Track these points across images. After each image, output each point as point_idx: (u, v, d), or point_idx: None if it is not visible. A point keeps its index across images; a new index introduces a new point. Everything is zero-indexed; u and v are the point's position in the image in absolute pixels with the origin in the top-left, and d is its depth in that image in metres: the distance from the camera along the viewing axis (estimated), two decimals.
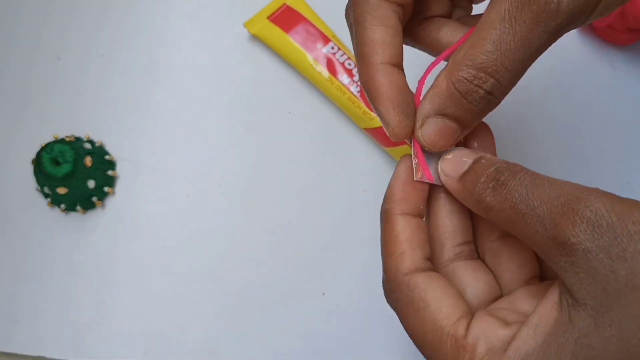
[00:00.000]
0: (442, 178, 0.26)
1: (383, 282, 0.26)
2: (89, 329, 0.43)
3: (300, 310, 0.44)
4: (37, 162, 0.42)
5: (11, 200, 0.45)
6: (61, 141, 0.43)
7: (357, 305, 0.44)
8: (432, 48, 0.29)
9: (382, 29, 0.26)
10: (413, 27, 0.30)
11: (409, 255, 0.25)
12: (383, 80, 0.26)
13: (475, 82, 0.23)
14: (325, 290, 0.44)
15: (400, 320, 0.25)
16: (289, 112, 0.47)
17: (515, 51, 0.23)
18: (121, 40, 0.48)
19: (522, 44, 0.23)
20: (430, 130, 0.25)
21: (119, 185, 0.45)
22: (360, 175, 0.46)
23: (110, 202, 0.45)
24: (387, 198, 0.27)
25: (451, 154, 0.26)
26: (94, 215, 0.45)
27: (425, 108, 0.25)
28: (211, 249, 0.45)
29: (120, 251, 0.45)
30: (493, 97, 0.24)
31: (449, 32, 0.29)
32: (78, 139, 0.45)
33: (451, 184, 0.26)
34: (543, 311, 0.22)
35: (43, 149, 0.42)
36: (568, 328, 0.21)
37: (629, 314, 0.19)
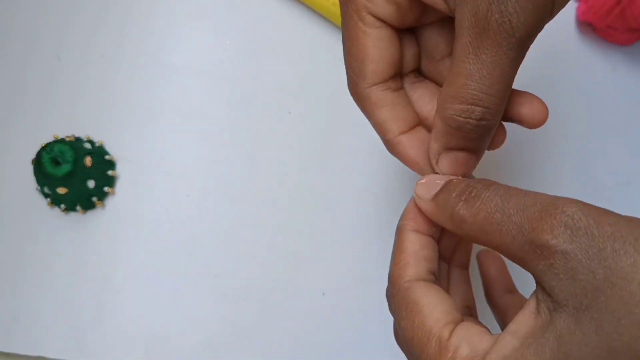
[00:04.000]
0: (417, 201, 0.27)
1: (386, 290, 0.28)
2: (89, 329, 0.43)
3: (300, 310, 0.44)
4: (37, 162, 0.42)
5: (11, 200, 0.45)
6: (61, 141, 0.43)
7: (357, 305, 0.44)
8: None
9: (381, 110, 0.28)
10: (429, 70, 0.31)
11: (412, 265, 0.26)
12: (403, 150, 0.29)
13: (464, 115, 0.25)
14: (325, 290, 0.44)
15: (394, 325, 0.26)
16: (289, 112, 0.47)
17: (489, 77, 0.24)
18: (121, 40, 0.48)
19: (493, 68, 0.24)
20: (445, 164, 0.27)
21: (119, 185, 0.45)
22: (360, 175, 0.46)
23: (110, 202, 0.45)
24: (403, 216, 0.28)
25: (425, 179, 0.28)
26: (94, 215, 0.45)
27: (434, 148, 0.27)
28: (211, 249, 0.45)
29: (120, 251, 0.45)
30: (486, 122, 0.25)
31: (420, 99, 0.30)
32: (78, 139, 0.45)
33: (424, 205, 0.27)
34: (521, 319, 0.23)
35: (43, 149, 0.42)
36: (548, 328, 0.21)
37: (609, 310, 0.20)
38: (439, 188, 0.26)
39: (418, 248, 0.27)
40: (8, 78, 0.47)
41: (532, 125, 0.28)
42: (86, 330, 0.43)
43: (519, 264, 0.23)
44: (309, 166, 0.46)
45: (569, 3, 0.51)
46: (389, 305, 0.27)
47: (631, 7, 0.44)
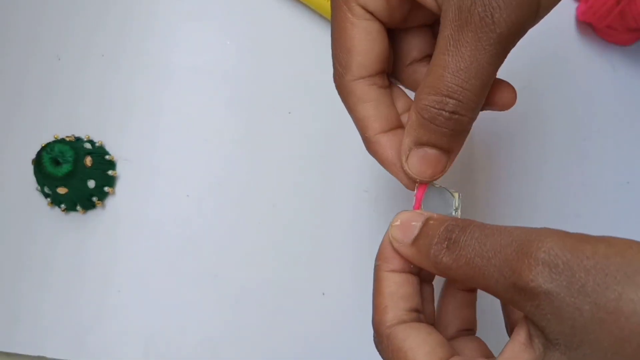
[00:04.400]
0: (394, 245, 0.27)
1: (373, 337, 0.27)
2: (89, 329, 0.43)
3: (300, 310, 0.44)
4: (37, 162, 0.42)
5: (11, 200, 0.45)
6: (61, 141, 0.43)
7: (357, 305, 0.44)
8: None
9: (364, 106, 0.28)
10: (398, 73, 0.31)
11: (391, 308, 0.26)
12: (381, 150, 0.28)
13: (437, 106, 0.25)
14: (325, 290, 0.44)
15: None
16: (289, 112, 0.47)
17: (466, 70, 0.24)
18: (121, 40, 0.48)
19: (471, 62, 0.23)
20: (414, 161, 0.27)
21: (119, 185, 0.45)
22: (360, 175, 0.46)
23: (110, 202, 0.45)
24: (377, 255, 0.28)
25: (399, 220, 0.27)
26: (94, 215, 0.45)
27: (405, 143, 0.27)
28: (211, 249, 0.45)
29: (120, 251, 0.45)
30: (460, 116, 0.25)
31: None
32: (78, 139, 0.45)
33: (404, 250, 0.26)
34: (512, 351, 0.23)
35: (43, 148, 0.42)
36: None
37: (599, 347, 0.20)
38: (416, 231, 0.26)
39: (394, 289, 0.27)
40: (8, 78, 0.47)
41: (503, 107, 0.28)
42: (86, 330, 0.43)
43: (510, 304, 0.23)
44: (309, 166, 0.46)
45: (569, 3, 0.51)
46: (378, 350, 0.27)
47: (631, 7, 0.44)
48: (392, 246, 0.27)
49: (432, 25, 0.30)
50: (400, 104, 0.30)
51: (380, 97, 0.28)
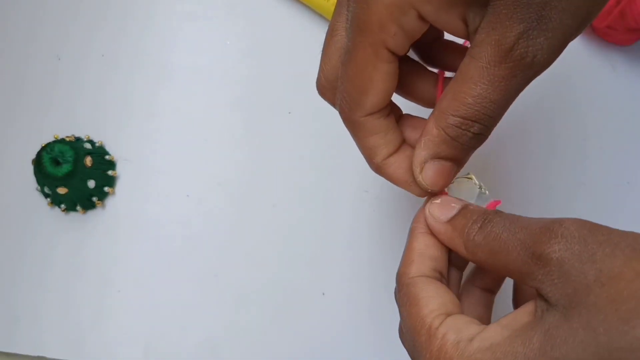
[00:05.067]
0: (429, 220, 0.28)
1: (395, 287, 0.28)
2: (89, 329, 0.43)
3: (300, 310, 0.44)
4: (37, 162, 0.42)
5: (11, 200, 0.45)
6: (61, 141, 0.43)
7: (357, 305, 0.44)
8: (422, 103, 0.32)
9: (373, 137, 0.29)
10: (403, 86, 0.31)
11: (417, 263, 0.28)
12: (391, 171, 0.29)
13: (463, 127, 0.26)
14: (325, 290, 0.44)
15: (400, 318, 0.28)
16: (289, 112, 0.47)
17: (495, 102, 0.25)
18: (121, 40, 0.48)
19: (501, 96, 0.25)
20: (429, 173, 0.28)
21: (119, 185, 0.45)
22: (360, 176, 0.46)
23: (110, 202, 0.45)
24: (415, 218, 0.29)
25: (440, 199, 0.28)
26: (94, 215, 0.45)
27: (422, 155, 0.27)
28: (211, 249, 0.45)
29: (120, 251, 0.45)
30: (482, 136, 0.26)
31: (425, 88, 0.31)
32: (78, 139, 0.45)
33: (438, 226, 0.28)
34: (514, 315, 0.24)
35: (43, 149, 0.42)
36: (538, 323, 0.22)
37: (597, 307, 0.21)
38: (454, 212, 0.27)
39: (424, 247, 0.28)
40: (8, 78, 0.47)
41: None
42: (86, 330, 0.43)
43: (523, 281, 0.24)
44: (309, 166, 0.46)
45: None
46: (396, 298, 0.28)
47: (631, 7, 0.44)
48: (427, 220, 0.28)
49: None
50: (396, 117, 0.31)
51: (387, 126, 0.29)
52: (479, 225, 0.26)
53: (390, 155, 0.29)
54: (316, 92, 0.47)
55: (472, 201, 0.30)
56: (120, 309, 0.44)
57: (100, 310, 0.44)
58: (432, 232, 0.28)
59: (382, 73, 0.27)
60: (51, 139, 0.43)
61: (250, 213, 0.45)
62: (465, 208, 0.27)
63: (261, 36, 0.48)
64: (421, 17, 0.25)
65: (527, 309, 0.24)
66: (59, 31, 0.48)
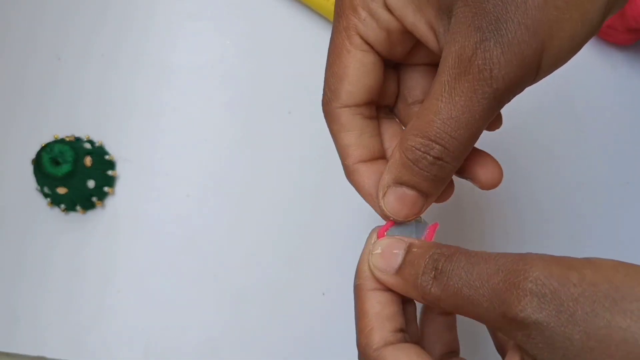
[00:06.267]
0: (377, 274, 0.26)
1: (358, 358, 0.27)
2: (89, 329, 0.43)
3: (300, 310, 0.44)
4: (37, 162, 0.42)
5: (11, 200, 0.45)
6: (61, 141, 0.43)
7: None
8: None
9: (346, 134, 0.28)
10: (400, 110, 0.31)
11: (378, 329, 0.26)
12: (359, 179, 0.28)
13: (423, 149, 0.24)
14: (325, 290, 0.44)
15: None
16: (289, 112, 0.47)
17: (457, 119, 0.23)
18: (121, 40, 0.48)
19: (462, 112, 0.23)
20: (391, 199, 0.26)
21: (119, 185, 0.45)
22: None
23: (110, 202, 0.45)
24: (358, 274, 0.27)
25: (379, 248, 0.26)
26: (94, 215, 0.45)
27: (384, 179, 0.26)
28: (211, 249, 0.45)
29: (120, 251, 0.45)
30: (443, 162, 0.24)
31: (384, 134, 0.30)
32: (78, 139, 0.45)
33: (388, 279, 0.26)
34: None
35: (43, 149, 0.42)
36: None
37: None
38: (399, 259, 0.26)
39: (379, 309, 0.26)
40: (8, 78, 0.47)
41: (485, 186, 0.28)
42: (86, 330, 0.43)
43: (500, 333, 0.23)
44: (309, 166, 0.46)
45: None
46: None
47: (631, 7, 0.44)
48: (374, 275, 0.26)
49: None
50: (389, 138, 0.30)
51: (364, 127, 0.28)
52: (431, 276, 0.24)
53: (363, 161, 0.28)
54: (316, 92, 0.47)
55: (412, 232, 0.28)
56: (120, 309, 0.44)
57: (100, 310, 0.44)
58: (380, 287, 0.26)
59: (356, 61, 0.27)
60: (51, 139, 0.43)
61: (250, 213, 0.45)
62: (409, 253, 0.25)
63: (261, 36, 0.48)
64: (388, 8, 0.25)
65: None
66: (59, 31, 0.48)
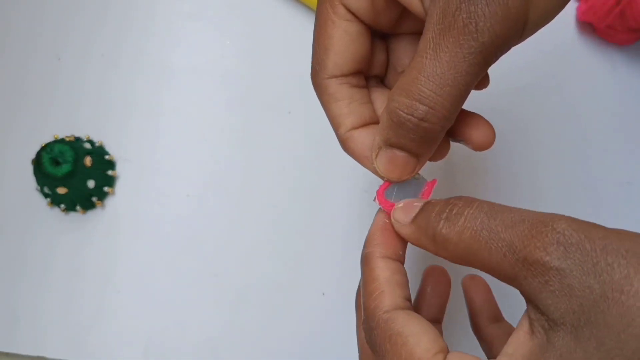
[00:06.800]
0: (396, 226, 0.26)
1: (364, 322, 0.26)
2: (89, 329, 0.43)
3: (300, 310, 0.44)
4: (37, 162, 0.42)
5: (11, 200, 0.45)
6: (61, 141, 0.43)
7: None
8: None
9: (337, 104, 0.28)
10: (390, 80, 0.30)
11: (388, 293, 0.25)
12: (352, 144, 0.28)
13: (407, 110, 0.24)
14: (325, 290, 0.44)
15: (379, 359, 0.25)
16: (289, 112, 0.47)
17: (442, 76, 0.23)
18: (121, 40, 0.48)
19: (448, 69, 0.23)
20: (382, 161, 0.26)
21: (119, 185, 0.45)
22: (360, 176, 0.46)
23: (110, 202, 0.45)
24: (367, 243, 0.27)
25: (402, 203, 0.27)
26: (94, 215, 0.45)
27: (376, 140, 0.26)
28: (211, 249, 0.45)
29: (120, 251, 0.45)
30: (429, 124, 0.24)
31: (374, 102, 0.30)
32: (78, 139, 0.45)
33: (404, 229, 0.26)
34: (516, 341, 0.22)
35: (43, 149, 0.42)
36: (548, 349, 0.21)
37: (608, 324, 0.20)
38: (417, 210, 0.25)
39: (390, 275, 0.26)
40: (8, 78, 0.47)
41: (478, 147, 0.28)
42: (86, 330, 0.43)
43: (509, 283, 0.22)
44: (309, 166, 0.46)
45: (570, 3, 0.51)
46: (368, 339, 0.25)
47: (631, 7, 0.44)
48: (390, 229, 0.27)
49: None
50: (379, 106, 0.29)
51: (353, 95, 0.28)
52: (443, 216, 0.24)
53: (355, 128, 0.28)
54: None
55: (410, 190, 0.28)
56: (120, 309, 0.44)
57: (100, 310, 0.44)
58: (390, 255, 0.26)
59: (341, 31, 0.27)
60: (51, 139, 0.43)
61: (250, 213, 0.45)
62: (427, 203, 0.25)
63: (261, 36, 0.48)
64: None
65: (524, 328, 0.22)
66: (59, 31, 0.48)
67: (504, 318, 0.34)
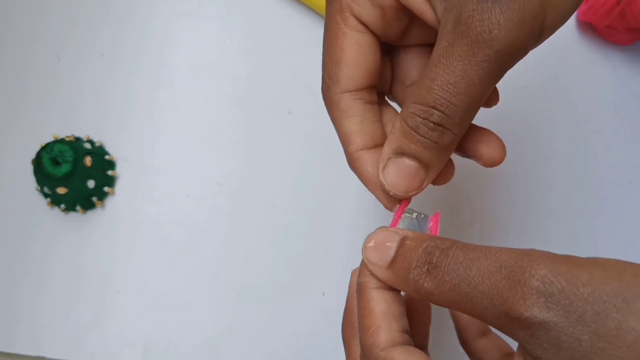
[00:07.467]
0: (369, 267, 0.25)
1: (361, 357, 0.25)
2: (89, 329, 0.43)
3: (300, 310, 0.44)
4: (37, 162, 0.42)
5: (11, 200, 0.45)
6: (61, 141, 0.43)
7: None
8: None
9: (348, 120, 0.27)
10: (397, 93, 0.30)
11: (384, 328, 0.24)
12: (361, 166, 0.27)
13: (423, 115, 0.24)
14: (325, 290, 0.44)
15: None
16: (289, 112, 0.47)
17: (456, 85, 0.23)
18: (121, 40, 0.48)
19: (461, 77, 0.22)
20: (391, 171, 0.25)
21: (119, 185, 0.45)
22: None
23: (110, 202, 0.45)
24: (361, 272, 0.26)
25: (372, 241, 0.25)
26: (93, 215, 0.45)
27: (384, 152, 0.26)
28: (211, 249, 0.45)
29: (120, 251, 0.45)
30: (444, 129, 0.24)
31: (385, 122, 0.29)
32: (78, 139, 0.45)
33: (380, 273, 0.25)
34: None
35: (43, 149, 0.42)
36: None
37: None
38: (392, 252, 0.24)
39: (386, 308, 0.25)
40: (8, 78, 0.47)
41: (488, 164, 0.27)
42: (86, 330, 0.43)
43: (500, 331, 0.21)
44: (309, 166, 0.46)
45: None
46: None
47: (631, 7, 0.44)
48: (368, 268, 0.25)
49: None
50: (390, 123, 0.29)
51: (366, 112, 0.27)
52: (424, 270, 0.23)
53: (366, 148, 0.27)
54: (316, 92, 0.47)
55: (415, 229, 0.27)
56: (120, 309, 0.44)
57: (100, 310, 0.44)
58: (385, 285, 0.25)
59: (353, 43, 0.26)
60: (51, 139, 0.43)
61: (250, 213, 0.45)
62: (402, 247, 0.24)
63: (261, 36, 0.48)
64: None
65: None
66: (59, 31, 0.48)
67: (491, 330, 0.33)
